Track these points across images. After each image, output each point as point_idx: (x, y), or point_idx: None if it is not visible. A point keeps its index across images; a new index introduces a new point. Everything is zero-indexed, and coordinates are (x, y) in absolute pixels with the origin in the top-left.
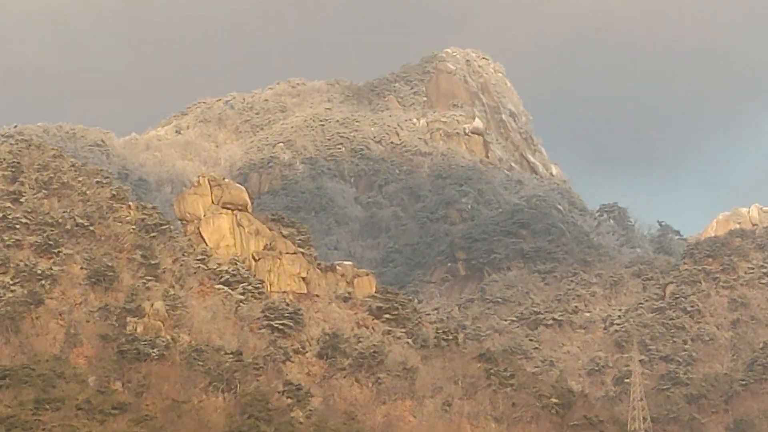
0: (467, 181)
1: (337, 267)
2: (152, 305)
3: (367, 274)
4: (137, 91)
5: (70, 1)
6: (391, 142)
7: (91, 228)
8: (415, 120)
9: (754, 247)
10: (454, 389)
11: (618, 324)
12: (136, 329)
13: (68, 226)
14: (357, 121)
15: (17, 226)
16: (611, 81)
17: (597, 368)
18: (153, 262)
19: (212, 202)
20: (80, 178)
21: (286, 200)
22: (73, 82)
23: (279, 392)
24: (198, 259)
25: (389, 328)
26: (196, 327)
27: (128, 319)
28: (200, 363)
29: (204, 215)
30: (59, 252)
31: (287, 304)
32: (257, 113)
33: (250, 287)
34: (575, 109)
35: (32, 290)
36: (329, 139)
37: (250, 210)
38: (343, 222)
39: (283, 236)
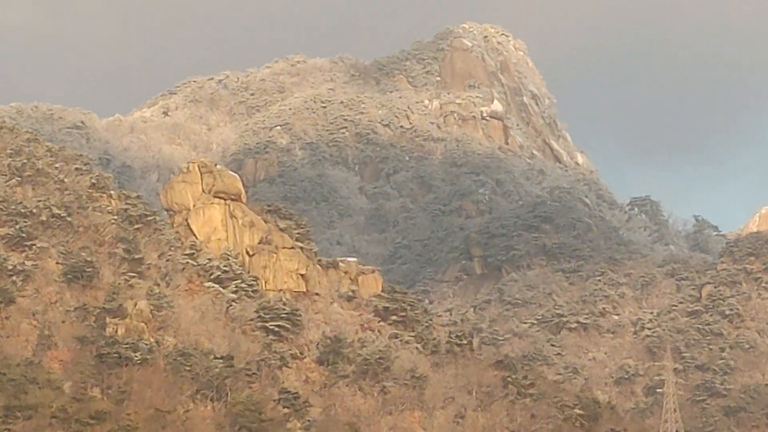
0: (484, 170)
1: (340, 263)
2: (135, 305)
3: (373, 272)
4: (121, 67)
5: None
6: (401, 127)
7: (68, 219)
8: (427, 102)
9: None
10: (468, 399)
11: (649, 328)
12: (116, 331)
13: (43, 217)
14: (363, 103)
15: None
16: (645, 59)
17: (626, 377)
18: (136, 256)
19: (203, 191)
20: (57, 164)
21: (283, 189)
22: (50, 57)
23: (274, 401)
24: (186, 254)
25: (397, 332)
26: (183, 328)
27: (108, 319)
28: (187, 368)
29: (193, 205)
30: (33, 245)
31: (284, 304)
32: (253, 94)
33: (243, 285)
34: (604, 92)
35: (2, 287)
36: (332, 123)
37: (244, 200)
38: (346, 214)
39: (280, 229)
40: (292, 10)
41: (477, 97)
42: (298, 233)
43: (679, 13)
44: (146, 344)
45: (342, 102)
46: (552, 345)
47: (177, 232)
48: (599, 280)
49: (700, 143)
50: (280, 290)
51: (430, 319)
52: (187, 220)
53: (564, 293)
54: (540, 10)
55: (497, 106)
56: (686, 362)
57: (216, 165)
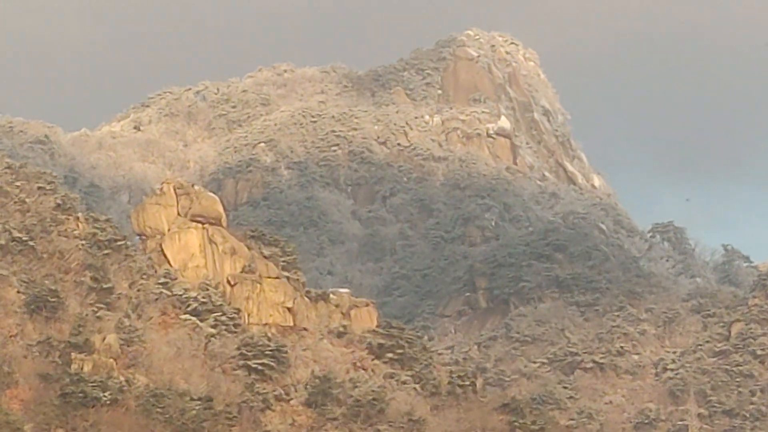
0: (490, 193)
1: (331, 295)
2: (103, 339)
3: (367, 305)
4: (88, 76)
5: None
6: (398, 144)
7: (30, 243)
8: (427, 117)
9: None
10: None
11: (672, 369)
12: (83, 368)
13: (2, 241)
14: (356, 118)
15: None
16: (671, 71)
17: (646, 422)
18: (105, 286)
19: (178, 214)
20: (18, 183)
21: (268, 213)
22: (10, 64)
23: None
24: (160, 283)
25: (392, 371)
26: (157, 366)
27: (74, 355)
28: (160, 410)
29: (168, 230)
30: None
31: (269, 340)
32: (234, 106)
33: (223, 318)
34: (624, 108)
35: None
36: (322, 139)
37: (224, 224)
38: (338, 240)
39: (265, 257)
40: (279, 14)
41: (483, 112)
42: (284, 261)
43: (712, 18)
44: (115, 383)
45: (333, 116)
46: (564, 387)
47: (150, 259)
48: (617, 316)
49: (726, 165)
50: (265, 324)
51: (430, 358)
52: (161, 245)
53: (578, 330)
54: (553, 17)
55: (505, 122)
56: (712, 407)
57: (193, 185)
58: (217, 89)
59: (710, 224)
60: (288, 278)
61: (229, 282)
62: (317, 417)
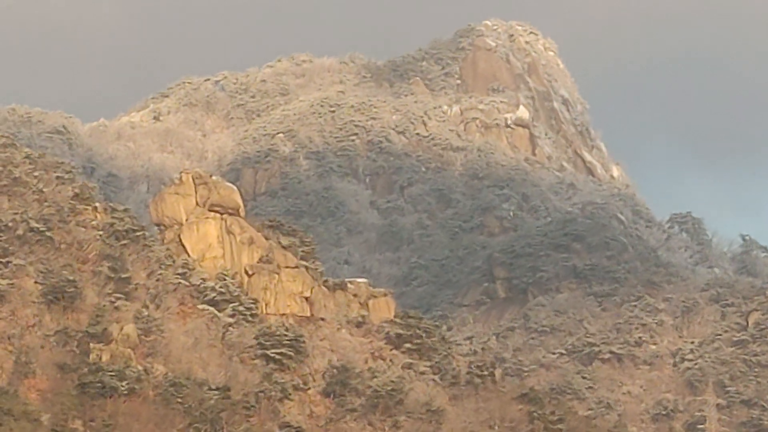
0: (509, 183)
1: (348, 285)
2: (121, 329)
3: (385, 295)
4: (107, 67)
5: None
6: (417, 134)
7: (48, 234)
8: (445, 107)
9: None
10: None
11: (690, 360)
12: (100, 358)
13: (20, 232)
14: (375, 108)
15: None
16: (692, 59)
17: (664, 413)
18: (123, 276)
19: (197, 203)
20: (36, 173)
21: (286, 203)
22: (29, 55)
23: None
24: (178, 273)
25: (411, 361)
26: (175, 356)
27: (92, 345)
28: (179, 400)
29: (186, 220)
30: (8, 263)
31: (286, 330)
32: (253, 96)
33: (241, 308)
34: (644, 97)
35: None
36: (340, 129)
37: (242, 214)
38: (356, 230)
39: (283, 247)
40: (298, 4)
41: (501, 102)
42: (302, 251)
43: (733, 5)
44: (133, 372)
45: (352, 106)
46: (583, 377)
47: (168, 249)
48: (635, 306)
49: (745, 157)
50: (282, 314)
51: (449, 348)
52: (179, 235)
53: (596, 320)
54: (572, 6)
55: (523, 112)
56: (731, 397)
57: (212, 175)
58: (236, 79)
59: (733, 212)
60: (306, 268)
61: (246, 272)
62: (335, 407)
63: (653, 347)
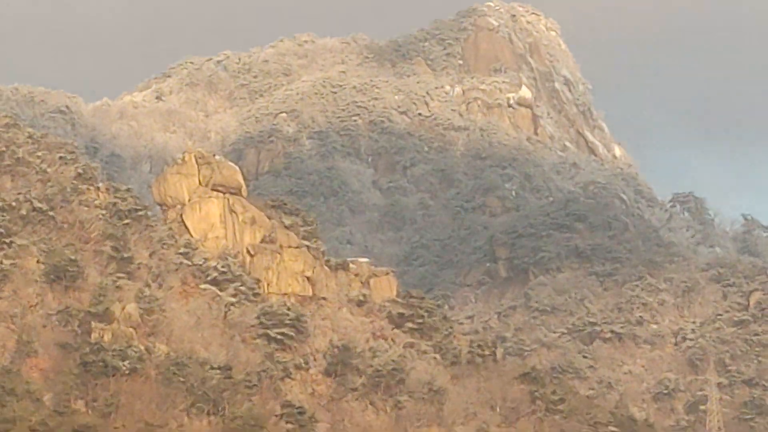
0: (511, 163)
1: (350, 265)
2: (123, 308)
3: (387, 274)
4: (110, 46)
5: None
6: (419, 114)
7: (51, 213)
8: (448, 87)
9: None
10: (491, 415)
11: (691, 339)
12: (103, 337)
13: (23, 211)
14: (377, 88)
15: None
16: (694, 38)
17: (665, 392)
18: (125, 255)
19: (199, 183)
20: (39, 153)
21: (289, 183)
22: (32, 35)
23: (276, 416)
24: (180, 253)
25: (412, 341)
26: (177, 335)
27: (94, 324)
28: (181, 379)
29: (189, 200)
30: (11, 242)
31: (288, 309)
32: (255, 76)
33: (243, 288)
34: (646, 77)
35: None
36: (343, 110)
37: (245, 194)
38: (358, 210)
39: (285, 226)
40: None
41: (503, 82)
42: (304, 231)
43: None
44: (135, 352)
45: (354, 86)
46: (584, 356)
47: (170, 229)
48: (636, 286)
49: (746, 136)
50: (284, 294)
51: (450, 327)
52: (181, 215)
53: (597, 299)
54: None
55: (526, 92)
56: (732, 376)
57: (214, 155)
58: (239, 59)
59: (737, 191)
60: (308, 248)
61: (248, 252)
62: (337, 386)
63: (654, 327)
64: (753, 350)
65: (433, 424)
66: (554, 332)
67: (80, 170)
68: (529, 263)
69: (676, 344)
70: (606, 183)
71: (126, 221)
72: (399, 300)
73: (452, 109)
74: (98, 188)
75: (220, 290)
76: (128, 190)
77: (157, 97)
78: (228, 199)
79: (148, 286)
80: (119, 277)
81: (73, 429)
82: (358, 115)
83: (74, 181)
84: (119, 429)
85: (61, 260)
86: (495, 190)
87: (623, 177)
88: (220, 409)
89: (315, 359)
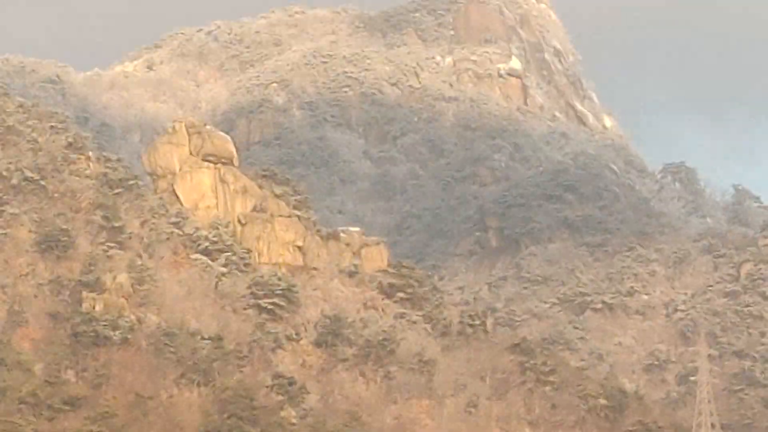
0: (501, 134)
1: (341, 234)
2: (114, 278)
3: (378, 244)
4: (101, 16)
5: None
6: (410, 85)
7: (42, 183)
8: (438, 58)
9: None
10: (481, 387)
11: (682, 310)
12: (94, 307)
13: (14, 181)
14: (368, 59)
15: None
16: (681, 9)
17: (656, 364)
18: (116, 225)
19: (190, 153)
20: (30, 122)
21: (280, 153)
22: (22, 4)
23: (267, 387)
24: (171, 223)
25: (403, 311)
26: (168, 305)
27: (85, 294)
28: (171, 349)
29: (180, 169)
30: (2, 212)
31: (279, 280)
32: (247, 47)
33: (234, 258)
34: (634, 48)
35: None
36: (333, 80)
37: (236, 164)
38: (349, 180)
39: (276, 196)
40: None
41: (494, 53)
42: (295, 200)
43: None
44: (126, 322)
45: (345, 57)
46: (575, 327)
47: (161, 199)
48: (627, 256)
49: (738, 108)
50: (275, 264)
51: (441, 298)
52: (172, 185)
53: (588, 270)
54: None
55: (516, 63)
56: (723, 348)
57: (205, 125)
58: (230, 30)
59: (730, 161)
60: (299, 217)
61: (239, 221)
62: (328, 357)
63: (645, 297)
64: (744, 322)
65: (423, 396)
66: (545, 303)
67: (71, 140)
68: (520, 234)
69: (666, 315)
70: (596, 154)
71: (117, 191)
72: (390, 270)
73: (443, 80)
74: (89, 158)
75: (212, 260)
76: (119, 159)
77: (148, 67)
78: (219, 169)
79: (139, 256)
80: (110, 247)
81: (63, 400)
82: (349, 85)
83: (65, 151)
84: (109, 400)
85: (52, 230)
86: (485, 160)
87: (613, 147)
88: (210, 379)
89: (306, 330)
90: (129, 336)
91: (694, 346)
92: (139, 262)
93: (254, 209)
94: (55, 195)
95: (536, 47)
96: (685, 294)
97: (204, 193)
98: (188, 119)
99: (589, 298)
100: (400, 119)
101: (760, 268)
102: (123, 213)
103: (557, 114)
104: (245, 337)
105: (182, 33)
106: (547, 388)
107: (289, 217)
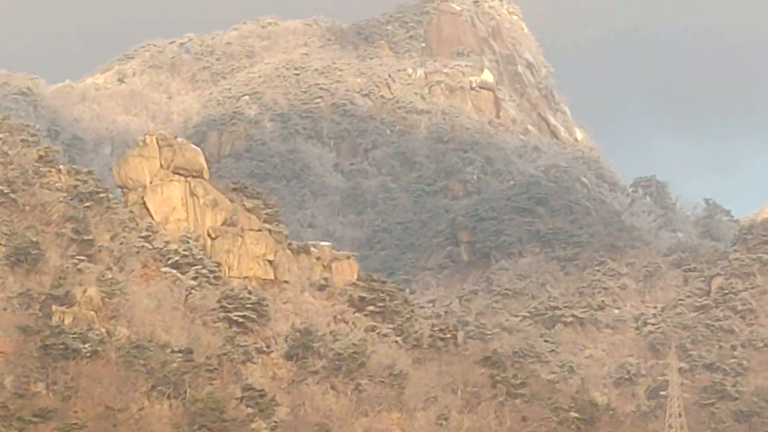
0: (473, 147)
1: (312, 248)
2: (84, 291)
3: (348, 258)
4: (71, 27)
5: None
6: (381, 97)
7: (12, 196)
8: (410, 70)
9: None
10: (452, 400)
11: (653, 324)
12: (63, 320)
13: None
14: (340, 71)
15: None
16: (652, 27)
17: (627, 377)
18: (86, 238)
19: (161, 166)
20: (1, 135)
21: (251, 165)
22: None
23: (237, 399)
24: (142, 236)
25: (374, 324)
26: (138, 318)
27: (54, 307)
28: (141, 362)
29: (150, 182)
30: None
31: (249, 293)
32: (218, 59)
33: (204, 271)
34: (606, 62)
35: None
36: (305, 92)
37: (206, 176)
38: (320, 193)
39: (247, 209)
40: None
41: (466, 65)
42: (266, 214)
43: None
44: (96, 335)
45: (317, 69)
46: (545, 341)
47: (132, 212)
48: (598, 270)
49: (709, 121)
50: (245, 277)
51: (411, 311)
52: (143, 198)
53: (559, 284)
54: None
55: (488, 75)
56: (693, 361)
57: (176, 137)
58: (202, 41)
59: (704, 174)
60: (270, 231)
61: (210, 235)
62: (298, 370)
63: (616, 311)
64: (714, 335)
65: (394, 408)
66: (516, 316)
67: (42, 153)
68: (491, 247)
69: (637, 329)
70: (568, 167)
71: (87, 204)
72: (360, 284)
73: (414, 92)
74: (60, 171)
75: (182, 273)
76: (89, 172)
77: (119, 80)
78: (189, 182)
79: (110, 269)
80: (80, 260)
81: (33, 412)
82: (321, 97)
83: (36, 164)
84: (79, 412)
85: (22, 243)
86: (457, 173)
87: (585, 161)
88: (180, 392)
89: (276, 343)
90: (99, 349)
91: (665, 360)
92: (110, 276)
93: (225, 223)
94: (26, 208)
95: (509, 60)
96: (656, 308)
97: (174, 207)
98: (159, 132)
99: (559, 312)
100: (372, 131)
101: (731, 282)
102: (93, 226)
103: (529, 127)
104: (215, 349)
105: (154, 45)
106: (518, 400)
107: (260, 230)
